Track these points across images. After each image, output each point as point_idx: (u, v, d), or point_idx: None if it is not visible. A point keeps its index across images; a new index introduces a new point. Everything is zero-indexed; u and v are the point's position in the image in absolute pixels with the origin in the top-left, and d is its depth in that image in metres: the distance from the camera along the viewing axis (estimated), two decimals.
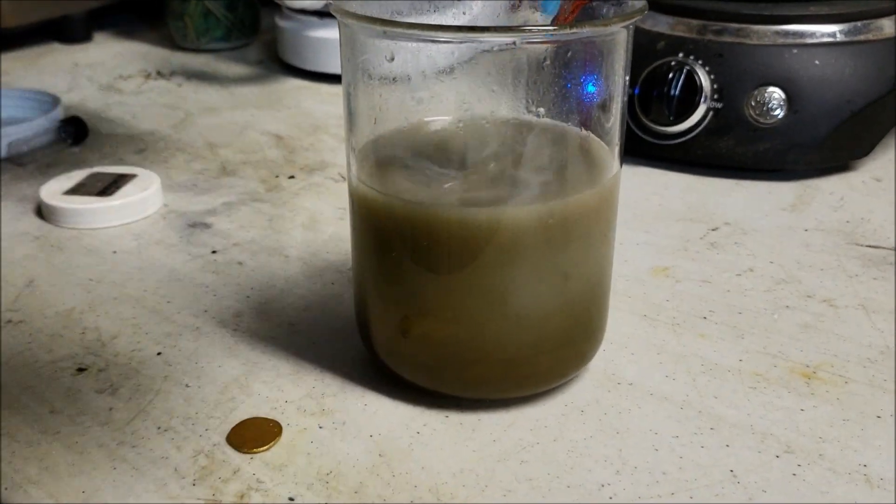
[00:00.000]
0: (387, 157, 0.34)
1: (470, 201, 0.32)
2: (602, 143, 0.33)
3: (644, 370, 0.37)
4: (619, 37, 0.31)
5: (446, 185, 0.32)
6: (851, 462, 0.32)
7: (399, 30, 0.28)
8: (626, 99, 0.33)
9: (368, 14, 0.30)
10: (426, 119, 0.34)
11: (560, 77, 0.31)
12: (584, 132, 0.33)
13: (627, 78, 0.32)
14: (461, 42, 0.29)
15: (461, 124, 0.33)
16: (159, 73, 0.80)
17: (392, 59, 0.30)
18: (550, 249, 0.32)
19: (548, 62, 0.30)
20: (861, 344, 0.39)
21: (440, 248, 0.32)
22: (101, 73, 0.81)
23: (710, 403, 0.35)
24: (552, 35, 0.29)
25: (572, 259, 0.33)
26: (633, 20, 0.30)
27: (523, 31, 0.28)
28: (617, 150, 0.33)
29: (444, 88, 0.32)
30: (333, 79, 0.76)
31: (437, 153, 0.34)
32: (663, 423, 0.34)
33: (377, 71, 0.32)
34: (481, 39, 0.29)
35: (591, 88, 0.32)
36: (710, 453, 0.32)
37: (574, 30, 0.28)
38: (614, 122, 0.33)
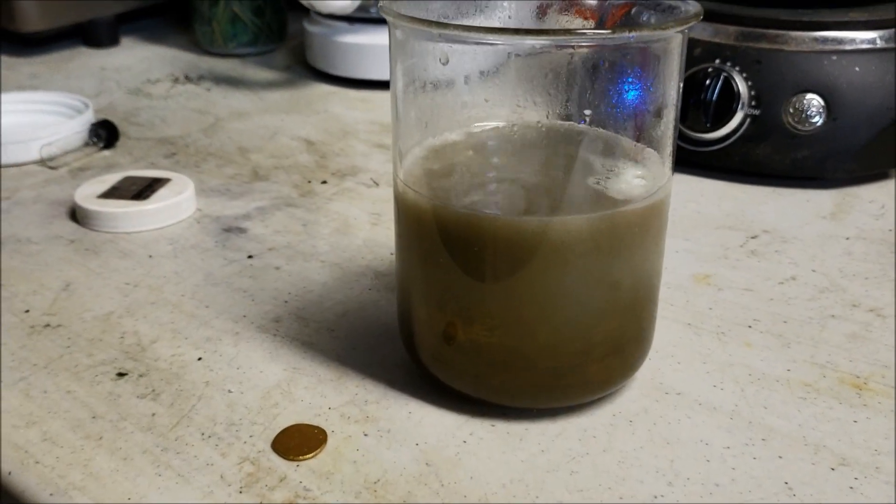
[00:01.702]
0: (436, 161, 0.33)
1: (520, 209, 0.31)
2: (653, 150, 0.33)
3: (691, 379, 0.37)
4: (674, 42, 0.30)
5: (496, 192, 0.32)
6: None
7: (456, 32, 0.28)
8: (679, 106, 0.32)
9: (419, 17, 0.30)
10: (476, 124, 0.33)
11: (614, 82, 0.31)
12: (636, 139, 0.32)
13: (681, 85, 0.32)
14: (517, 45, 0.28)
15: (513, 129, 0.33)
16: (187, 78, 0.80)
17: (446, 62, 0.30)
18: (600, 258, 0.31)
19: (603, 67, 0.29)
20: None
21: (488, 255, 0.31)
22: (129, 77, 0.81)
23: (759, 414, 0.34)
24: (609, 39, 0.29)
25: (622, 267, 0.32)
26: (689, 24, 0.30)
27: (580, 34, 0.28)
28: (668, 158, 0.33)
29: (495, 93, 0.32)
30: (362, 84, 0.76)
31: (487, 159, 0.33)
32: (714, 433, 0.33)
33: (427, 75, 0.31)
34: (537, 42, 0.28)
35: (644, 94, 0.31)
36: (763, 465, 0.32)
37: (631, 34, 0.28)
38: (666, 130, 0.33)
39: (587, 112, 0.32)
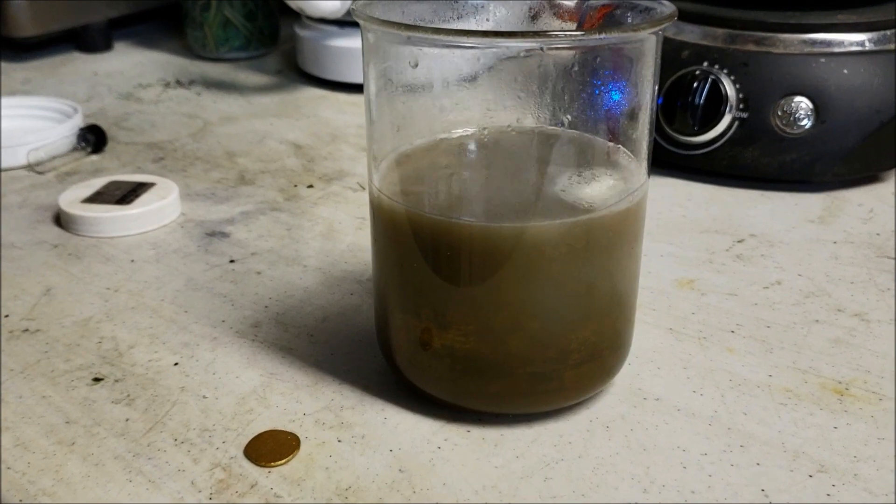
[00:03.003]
0: (409, 167, 0.33)
1: (494, 214, 0.31)
2: (629, 153, 0.32)
3: (671, 385, 0.36)
4: (647, 43, 0.30)
5: (469, 198, 0.31)
6: (888, 482, 0.31)
7: (423, 35, 0.27)
8: (654, 108, 0.32)
9: (391, 20, 0.29)
10: (450, 128, 0.33)
11: (587, 85, 0.30)
12: (611, 142, 0.32)
13: (656, 87, 0.32)
14: (486, 48, 0.28)
15: (485, 133, 0.32)
16: (178, 83, 0.80)
17: (416, 65, 0.29)
18: (576, 262, 0.31)
19: (575, 69, 0.29)
20: (895, 360, 0.38)
21: (462, 261, 0.31)
22: (121, 82, 0.81)
23: (739, 420, 0.34)
24: (580, 41, 0.28)
25: (598, 272, 0.32)
26: (662, 26, 0.29)
27: (550, 36, 0.28)
28: (644, 160, 0.33)
29: (468, 96, 0.31)
30: (352, 88, 0.76)
31: (460, 164, 0.33)
32: (691, 439, 0.33)
33: (400, 78, 0.31)
34: (507, 45, 0.28)
35: (618, 97, 0.31)
36: (741, 472, 0.31)
37: (602, 35, 0.28)
38: (642, 132, 0.32)
39: (561, 115, 0.32)
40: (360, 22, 0.30)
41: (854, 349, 0.38)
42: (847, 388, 0.36)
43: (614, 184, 0.32)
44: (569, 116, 0.31)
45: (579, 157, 0.32)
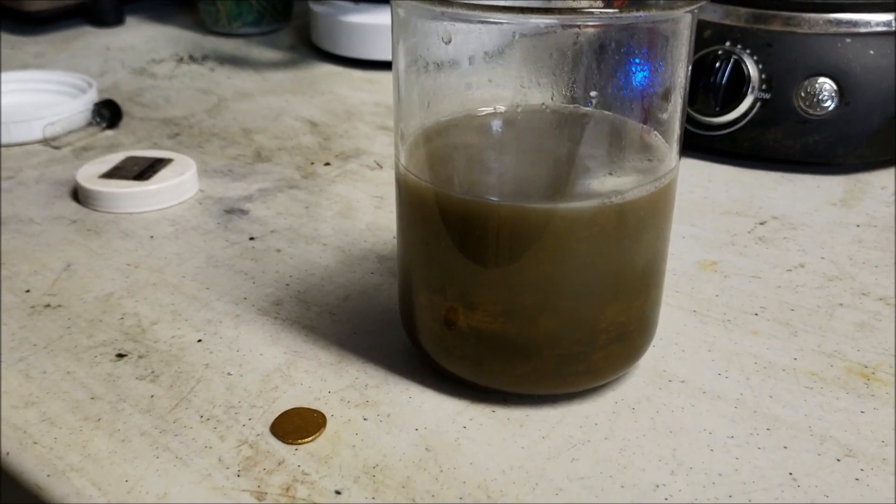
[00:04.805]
0: (438, 146, 0.33)
1: (524, 195, 0.31)
2: (661, 135, 0.32)
3: (695, 367, 0.36)
4: (683, 22, 0.30)
5: (499, 178, 0.31)
6: None
7: (459, 10, 0.27)
8: (687, 89, 0.32)
9: None
10: (481, 106, 0.33)
11: (621, 64, 0.30)
12: (643, 123, 0.32)
13: (689, 67, 0.31)
14: (521, 23, 0.28)
15: (517, 112, 0.32)
16: (192, 58, 0.79)
17: (449, 41, 0.29)
18: (605, 244, 0.31)
19: (611, 46, 0.29)
20: None
21: (491, 242, 0.31)
22: (134, 56, 0.80)
23: (765, 403, 0.34)
24: (616, 18, 0.28)
25: (627, 254, 0.32)
26: (699, 4, 0.29)
27: (586, 13, 0.27)
28: (676, 142, 0.32)
29: (499, 73, 0.31)
30: (367, 65, 0.75)
31: (489, 143, 0.33)
32: (717, 422, 0.33)
33: (430, 54, 0.31)
34: (543, 21, 0.28)
35: (652, 76, 0.30)
36: (768, 455, 0.31)
37: (639, 14, 0.27)
38: (674, 113, 0.32)
39: (593, 94, 0.31)
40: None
41: (879, 333, 0.38)
42: (873, 373, 0.36)
43: (646, 166, 0.32)
44: (602, 95, 0.31)
45: (612, 138, 0.32)
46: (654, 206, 0.32)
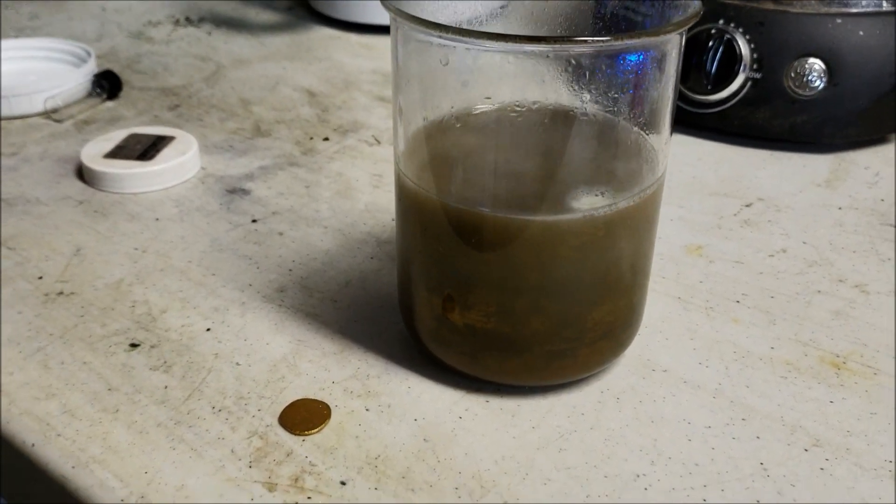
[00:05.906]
0: (430, 152, 0.34)
1: (516, 204, 0.32)
2: (651, 143, 0.33)
3: (678, 356, 0.38)
4: (672, 42, 0.31)
5: (492, 189, 0.33)
6: (878, 458, 0.33)
7: (454, 36, 0.28)
8: (676, 99, 0.33)
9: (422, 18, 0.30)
10: (475, 113, 0.34)
11: (613, 77, 0.31)
12: (634, 133, 0.33)
13: (678, 80, 0.32)
14: (513, 51, 0.29)
15: (511, 118, 0.33)
16: (188, 20, 0.79)
17: (446, 63, 0.30)
18: (594, 252, 0.33)
19: (604, 63, 0.30)
20: (891, 333, 0.39)
21: (485, 249, 0.33)
22: (130, 18, 0.80)
23: (741, 393, 0.36)
24: (606, 45, 0.29)
25: (617, 257, 0.33)
26: (687, 26, 0.30)
27: (580, 41, 0.28)
28: (665, 149, 0.34)
29: (494, 81, 0.32)
30: (364, 28, 0.75)
31: (482, 151, 0.34)
32: (696, 412, 0.35)
33: (428, 61, 0.32)
34: (536, 50, 0.29)
35: (642, 91, 0.32)
36: (742, 445, 0.34)
37: (627, 41, 0.28)
38: (664, 122, 0.33)
39: (586, 103, 0.32)
40: (391, 14, 0.31)
41: (853, 321, 0.40)
42: (844, 362, 0.38)
43: (636, 177, 0.33)
44: (593, 105, 0.32)
45: (604, 147, 0.33)
46: (642, 214, 0.33)
